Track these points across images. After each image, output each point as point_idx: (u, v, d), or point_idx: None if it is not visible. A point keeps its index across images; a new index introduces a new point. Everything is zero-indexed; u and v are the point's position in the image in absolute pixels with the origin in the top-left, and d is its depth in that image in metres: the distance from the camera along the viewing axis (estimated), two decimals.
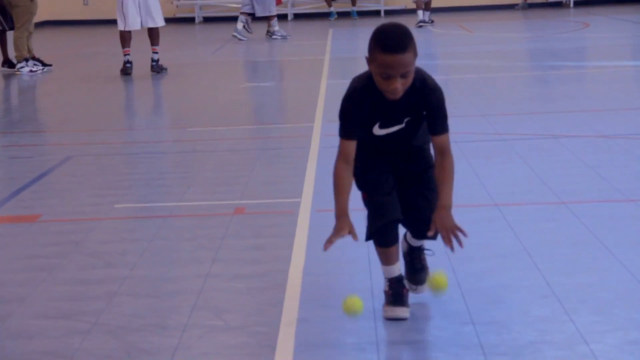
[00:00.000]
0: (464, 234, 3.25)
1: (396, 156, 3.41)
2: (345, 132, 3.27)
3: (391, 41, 3.16)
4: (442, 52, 14.16)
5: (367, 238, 3.41)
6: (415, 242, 3.57)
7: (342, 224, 3.24)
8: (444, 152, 3.29)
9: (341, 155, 3.29)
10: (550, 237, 4.50)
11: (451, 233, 3.22)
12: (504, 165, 6.09)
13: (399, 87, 3.15)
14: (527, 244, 4.29)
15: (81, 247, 4.62)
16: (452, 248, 3.25)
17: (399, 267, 3.48)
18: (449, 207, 3.26)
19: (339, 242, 3.27)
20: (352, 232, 3.25)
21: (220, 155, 6.97)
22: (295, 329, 3.38)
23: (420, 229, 3.39)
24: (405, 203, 3.37)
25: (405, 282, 3.50)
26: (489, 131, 7.24)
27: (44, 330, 3.52)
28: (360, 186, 3.40)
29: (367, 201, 3.39)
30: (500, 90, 9.81)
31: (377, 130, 3.33)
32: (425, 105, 3.26)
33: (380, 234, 3.37)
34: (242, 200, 5.43)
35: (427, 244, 3.58)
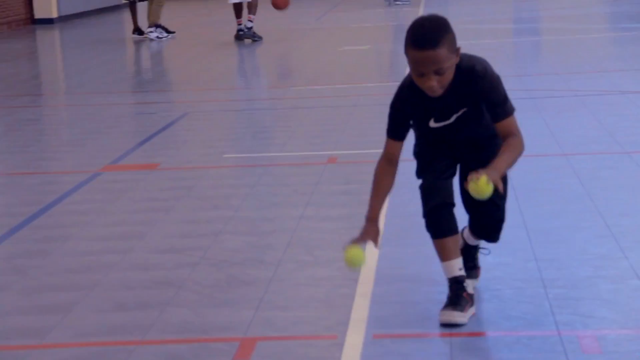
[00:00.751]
0: (499, 189, 2.68)
1: (461, 147, 2.91)
2: (390, 131, 2.86)
3: (421, 36, 2.71)
4: (526, 17, 13.78)
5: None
6: (473, 241, 3.11)
7: (367, 229, 2.82)
8: (509, 135, 2.77)
9: (385, 154, 2.88)
10: (611, 183, 4.43)
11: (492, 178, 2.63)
12: (573, 119, 5.94)
13: (434, 84, 2.69)
14: (590, 189, 4.23)
15: (193, 192, 4.74)
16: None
17: (459, 265, 2.91)
18: (498, 170, 2.67)
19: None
20: (374, 240, 2.82)
21: (317, 111, 6.98)
22: (376, 264, 3.38)
23: (486, 231, 2.99)
24: (474, 200, 2.72)
25: None
26: (562, 88, 7.04)
27: (159, 263, 3.65)
28: (416, 172, 2.97)
29: (420, 186, 2.92)
30: (575, 51, 9.51)
31: (433, 124, 2.86)
32: (479, 94, 2.78)
33: (431, 220, 2.88)
34: (334, 151, 5.45)
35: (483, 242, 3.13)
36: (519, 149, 2.77)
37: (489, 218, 2.93)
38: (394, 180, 2.89)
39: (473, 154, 2.89)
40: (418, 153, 2.98)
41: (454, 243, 2.90)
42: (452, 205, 2.91)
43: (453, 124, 2.84)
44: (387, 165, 2.87)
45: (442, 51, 2.68)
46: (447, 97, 2.78)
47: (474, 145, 2.91)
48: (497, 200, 2.83)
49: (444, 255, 2.89)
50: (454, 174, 2.95)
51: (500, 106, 2.78)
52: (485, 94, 2.78)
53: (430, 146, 2.93)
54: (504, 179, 2.79)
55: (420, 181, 2.94)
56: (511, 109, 2.80)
